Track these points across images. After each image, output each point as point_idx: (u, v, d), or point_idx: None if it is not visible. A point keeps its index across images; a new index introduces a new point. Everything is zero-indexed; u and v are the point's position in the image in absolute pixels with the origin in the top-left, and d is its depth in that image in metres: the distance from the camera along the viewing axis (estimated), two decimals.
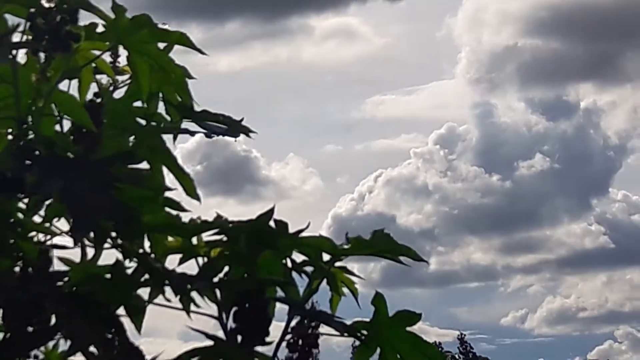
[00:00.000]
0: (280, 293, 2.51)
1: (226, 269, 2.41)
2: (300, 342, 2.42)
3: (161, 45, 2.46)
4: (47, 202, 2.24)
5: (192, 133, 2.47)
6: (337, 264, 2.53)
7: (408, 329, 2.54)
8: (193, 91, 2.53)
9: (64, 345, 2.13)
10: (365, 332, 2.50)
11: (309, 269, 2.50)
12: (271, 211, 2.39)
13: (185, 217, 2.37)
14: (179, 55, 2.51)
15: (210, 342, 2.28)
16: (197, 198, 2.46)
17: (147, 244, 2.36)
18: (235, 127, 2.52)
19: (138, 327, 2.32)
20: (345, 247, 2.48)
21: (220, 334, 2.36)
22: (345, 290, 2.64)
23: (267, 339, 2.37)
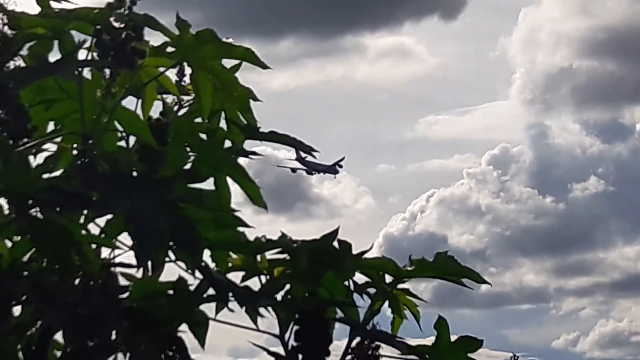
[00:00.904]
0: (340, 313, 2.49)
1: (287, 287, 2.40)
2: None
3: (227, 65, 2.45)
4: (107, 217, 2.23)
5: (253, 154, 2.44)
6: (399, 285, 2.52)
7: (469, 354, 2.51)
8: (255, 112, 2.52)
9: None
10: (427, 356, 2.47)
11: (370, 290, 2.49)
12: (335, 232, 2.37)
13: (247, 232, 2.36)
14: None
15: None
16: (264, 206, 2.44)
17: (209, 260, 2.36)
18: (300, 147, 2.49)
19: (202, 342, 2.30)
20: (409, 269, 2.46)
21: (280, 352, 2.35)
22: (406, 313, 2.62)
23: (328, 359, 2.36)
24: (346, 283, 2.46)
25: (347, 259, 2.37)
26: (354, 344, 2.44)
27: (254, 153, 2.41)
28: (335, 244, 2.38)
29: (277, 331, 2.39)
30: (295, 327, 2.37)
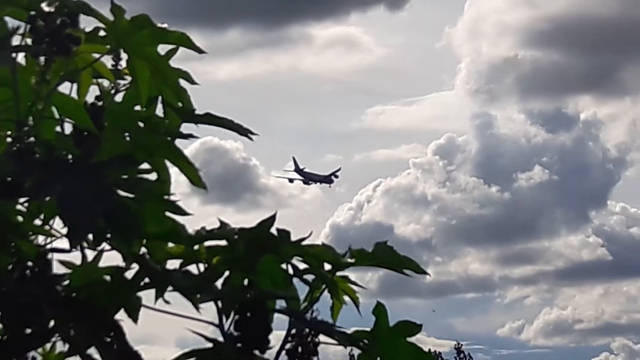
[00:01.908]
0: (282, 302, 2.49)
1: (226, 274, 2.39)
2: (299, 349, 2.40)
3: (163, 52, 2.45)
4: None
5: (190, 136, 2.44)
6: (339, 273, 2.52)
7: (408, 339, 2.53)
8: (193, 99, 2.51)
9: (62, 347, 2.10)
10: (365, 342, 2.48)
11: (310, 277, 2.49)
12: (272, 218, 2.37)
13: (185, 220, 2.35)
14: (179, 63, 2.49)
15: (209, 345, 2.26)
16: (204, 187, 2.43)
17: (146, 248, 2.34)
18: (238, 130, 2.49)
19: (135, 320, 2.29)
20: (349, 260, 2.46)
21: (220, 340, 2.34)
22: (346, 299, 2.63)
23: (267, 348, 2.35)
24: (285, 268, 2.46)
25: (285, 246, 2.37)
26: (293, 331, 2.44)
27: (191, 135, 2.40)
28: (275, 232, 2.38)
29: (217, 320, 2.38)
30: (235, 317, 2.36)
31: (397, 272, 2.54)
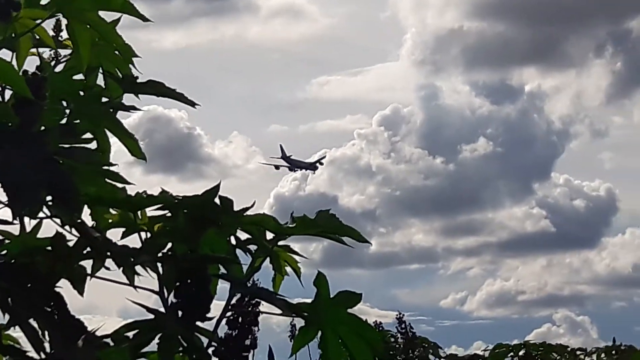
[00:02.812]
0: (223, 271, 2.48)
1: (169, 245, 2.38)
2: (240, 319, 2.40)
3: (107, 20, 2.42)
4: None
5: (133, 108, 2.42)
6: (280, 243, 2.51)
7: (349, 310, 2.53)
8: (137, 68, 2.49)
9: (2, 318, 2.08)
10: (306, 314, 2.48)
11: (252, 247, 2.48)
12: (216, 188, 2.36)
13: (128, 189, 2.33)
14: (123, 32, 2.46)
15: (150, 317, 2.25)
16: (143, 158, 2.42)
17: (89, 217, 2.33)
18: (180, 99, 2.47)
19: (81, 293, 2.27)
20: (290, 226, 2.46)
21: (161, 310, 2.34)
22: (288, 270, 2.63)
23: (208, 316, 2.35)
24: (228, 240, 2.45)
25: (228, 215, 2.36)
26: (234, 300, 2.44)
27: (133, 107, 2.38)
28: (217, 200, 2.37)
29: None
30: (176, 284, 2.36)
31: (339, 242, 2.54)
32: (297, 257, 2.60)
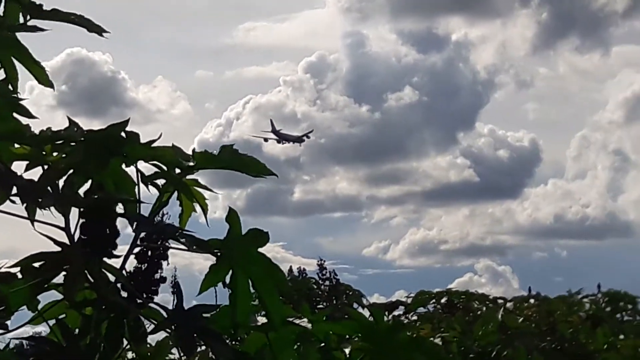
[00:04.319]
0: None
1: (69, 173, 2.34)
2: (149, 253, 2.39)
3: None
4: None
5: (36, 29, 2.36)
6: (189, 177, 2.49)
7: (260, 250, 2.51)
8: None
9: None
10: (218, 252, 2.46)
11: (159, 181, 2.45)
12: (125, 122, 2.34)
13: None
14: None
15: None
16: (51, 86, 2.38)
17: None
18: (88, 26, 2.42)
19: None
20: (195, 161, 2.43)
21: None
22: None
23: (115, 252, 2.34)
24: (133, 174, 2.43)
25: (133, 147, 2.34)
26: (142, 236, 2.42)
27: (37, 28, 2.33)
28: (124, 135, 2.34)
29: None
30: (82, 220, 2.33)
31: (242, 173, 2.51)
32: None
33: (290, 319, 2.59)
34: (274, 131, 66.56)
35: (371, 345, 2.68)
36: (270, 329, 2.54)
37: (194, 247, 2.33)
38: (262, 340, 2.64)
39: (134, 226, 2.34)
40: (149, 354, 2.54)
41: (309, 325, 2.69)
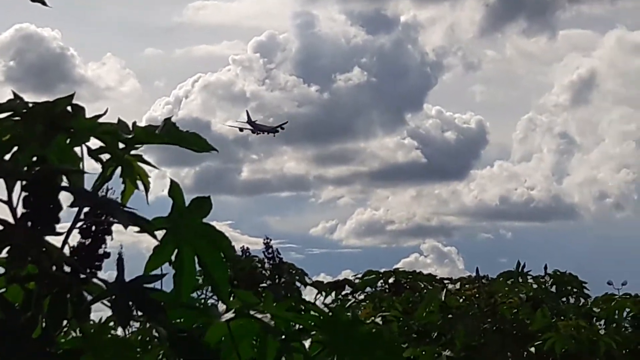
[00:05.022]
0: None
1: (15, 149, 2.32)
2: (93, 228, 2.37)
3: None
4: None
5: None
6: (133, 152, 2.47)
7: (204, 220, 2.50)
8: None
9: None
10: (164, 230, 2.45)
11: (103, 156, 2.43)
12: (71, 97, 2.32)
13: None
14: None
15: None
16: None
17: None
18: None
19: None
20: (136, 135, 2.41)
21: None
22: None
23: (59, 226, 2.32)
24: (78, 150, 2.41)
25: (78, 121, 2.32)
26: (86, 210, 2.40)
27: None
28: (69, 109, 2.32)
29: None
30: (24, 194, 2.31)
31: (185, 148, 2.49)
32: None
33: (253, 311, 2.58)
34: (250, 122, 67.67)
35: (330, 338, 2.69)
36: (221, 299, 2.54)
37: (130, 224, 2.28)
38: (224, 329, 2.64)
39: (75, 200, 2.31)
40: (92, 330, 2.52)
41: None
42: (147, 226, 2.32)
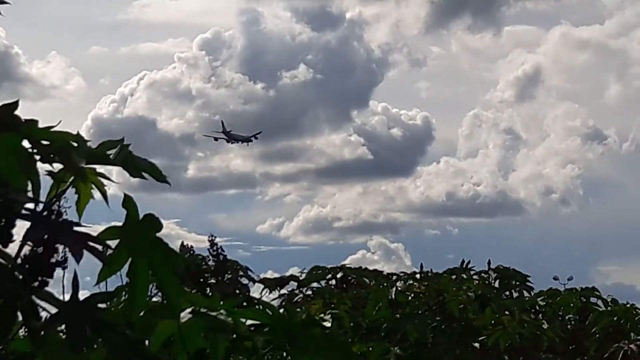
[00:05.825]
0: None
1: None
2: (46, 236, 2.32)
3: None
4: None
5: None
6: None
7: (158, 235, 2.48)
8: None
9: None
10: (116, 240, 2.41)
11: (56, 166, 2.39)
12: (15, 104, 2.27)
13: None
14: None
15: None
16: None
17: None
18: None
19: None
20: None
21: None
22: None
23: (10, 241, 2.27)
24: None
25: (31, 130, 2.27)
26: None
27: None
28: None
29: None
30: None
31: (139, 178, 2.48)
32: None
33: (203, 309, 2.56)
34: (225, 131, 68.76)
35: (282, 337, 2.68)
36: (171, 316, 2.51)
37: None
38: (171, 328, 2.61)
39: (30, 230, 2.25)
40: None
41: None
42: (100, 241, 2.30)
